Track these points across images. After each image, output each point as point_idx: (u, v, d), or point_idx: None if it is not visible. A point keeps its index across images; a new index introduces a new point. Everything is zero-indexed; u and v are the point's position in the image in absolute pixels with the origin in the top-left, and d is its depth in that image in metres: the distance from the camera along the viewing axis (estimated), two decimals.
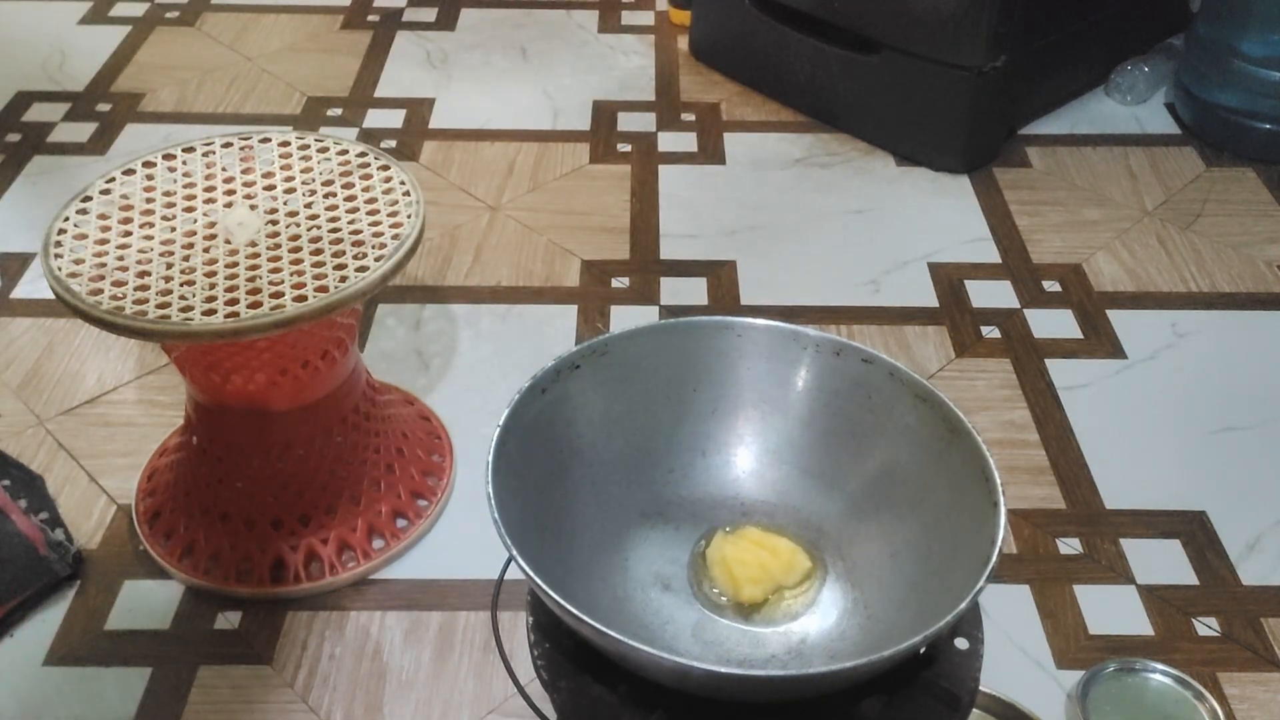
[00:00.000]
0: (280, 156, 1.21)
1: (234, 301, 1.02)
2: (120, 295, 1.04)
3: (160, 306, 1.02)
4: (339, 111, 2.00)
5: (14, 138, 1.93)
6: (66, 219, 1.13)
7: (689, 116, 2.00)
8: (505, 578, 0.79)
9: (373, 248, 1.08)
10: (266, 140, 1.23)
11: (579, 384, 0.78)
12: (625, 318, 1.57)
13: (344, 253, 1.08)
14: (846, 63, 1.88)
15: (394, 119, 1.98)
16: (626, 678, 0.66)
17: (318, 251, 1.08)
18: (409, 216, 1.11)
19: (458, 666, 1.14)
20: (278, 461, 1.18)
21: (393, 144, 1.91)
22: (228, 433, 1.18)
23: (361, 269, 1.05)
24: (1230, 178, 1.85)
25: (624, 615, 0.74)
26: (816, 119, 1.97)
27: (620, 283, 1.63)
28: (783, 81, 2.00)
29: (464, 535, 1.26)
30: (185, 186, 1.17)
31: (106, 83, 2.08)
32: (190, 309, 1.02)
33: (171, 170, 1.19)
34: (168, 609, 1.19)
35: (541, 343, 1.52)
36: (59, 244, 1.10)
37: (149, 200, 1.15)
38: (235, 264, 1.07)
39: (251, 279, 1.05)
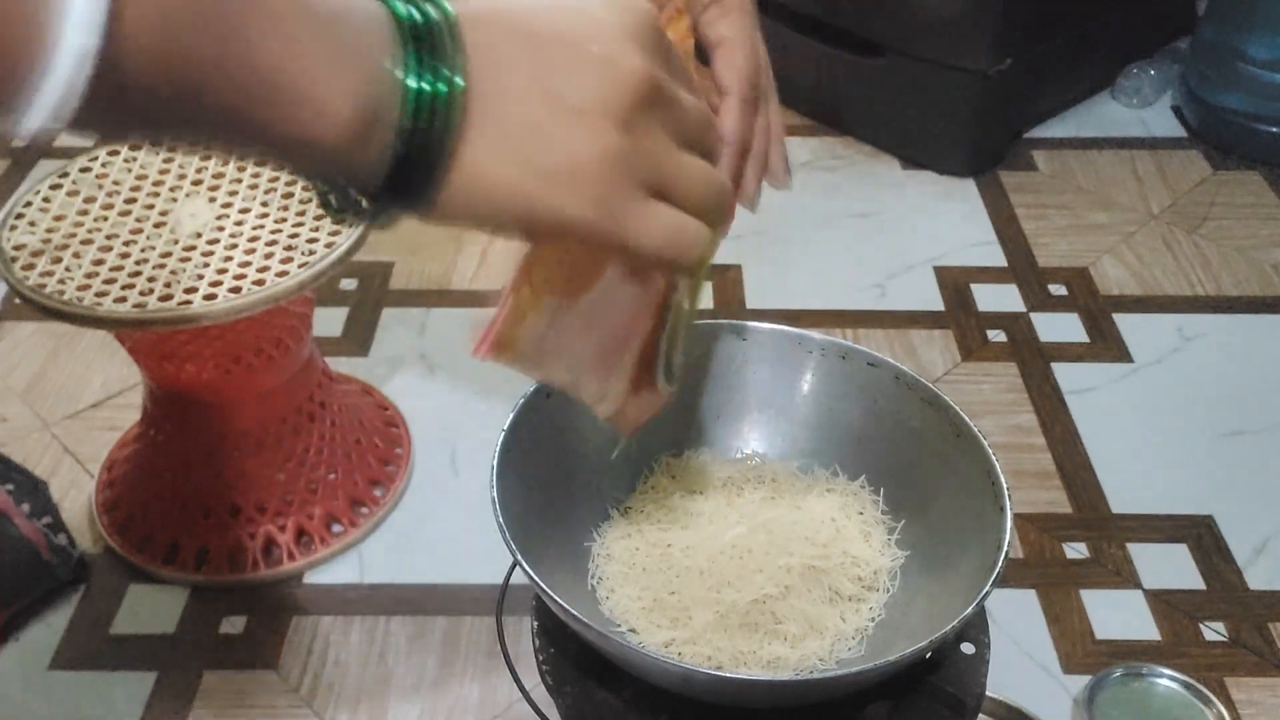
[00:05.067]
0: None
1: (149, 292, 1.03)
2: (49, 273, 1.04)
3: (80, 289, 1.03)
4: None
5: (20, 141, 1.93)
6: (37, 192, 1.14)
7: None
8: (510, 582, 0.79)
9: (302, 253, 1.08)
10: None
11: None
12: None
13: (273, 255, 1.08)
14: (852, 66, 1.88)
15: None
16: (632, 683, 0.66)
17: (250, 251, 1.08)
18: (349, 226, 1.11)
19: (463, 672, 1.14)
20: (234, 450, 1.20)
21: None
22: (183, 422, 1.20)
23: (282, 274, 1.05)
24: (1236, 181, 1.84)
25: None
26: (822, 122, 1.97)
27: None
28: (788, 85, 1.98)
29: (446, 533, 1.26)
30: (160, 173, 1.17)
31: None
32: (105, 294, 1.02)
33: (156, 154, 1.20)
34: (172, 613, 1.19)
35: None
36: (20, 215, 1.11)
37: (116, 184, 1.16)
38: (169, 254, 1.07)
39: (176, 271, 1.05)
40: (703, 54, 0.67)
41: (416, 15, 0.42)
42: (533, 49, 0.44)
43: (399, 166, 0.42)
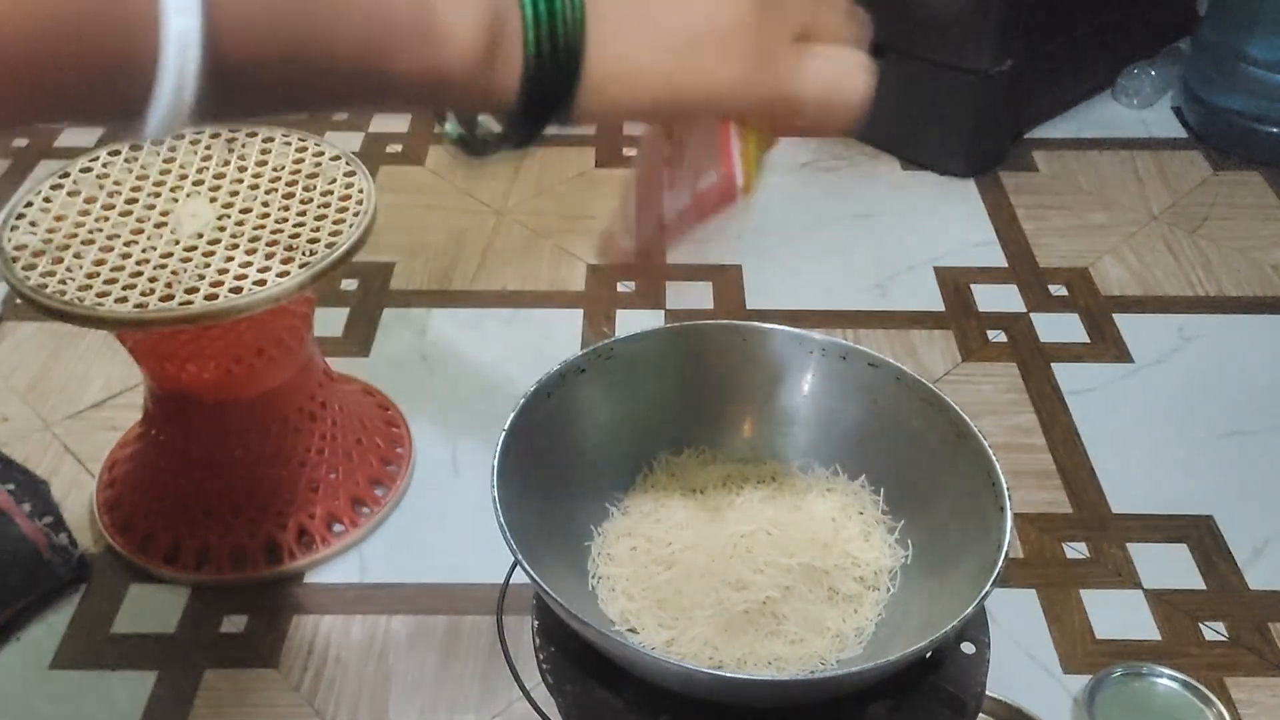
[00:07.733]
0: (260, 152, 1.20)
1: (149, 292, 1.03)
2: (50, 273, 1.04)
3: (81, 289, 1.03)
4: (344, 115, 2.00)
5: (21, 142, 1.93)
6: (38, 193, 1.14)
7: None
8: (510, 582, 0.79)
9: (303, 253, 1.07)
10: (254, 135, 1.23)
11: (584, 388, 0.78)
12: (631, 322, 1.57)
13: (273, 255, 1.08)
14: None
15: (399, 123, 1.98)
16: (632, 682, 0.66)
17: (251, 251, 1.08)
18: (350, 226, 1.11)
19: (463, 670, 1.14)
20: (235, 450, 1.20)
21: (399, 149, 1.92)
22: (184, 423, 1.20)
23: (283, 274, 1.05)
24: (1237, 181, 1.85)
25: None
26: None
27: (626, 287, 1.63)
28: None
29: (446, 533, 1.26)
30: (160, 173, 1.17)
31: None
32: (106, 295, 1.02)
33: (156, 155, 1.19)
34: (173, 613, 1.20)
35: (547, 347, 1.52)
36: (21, 216, 1.11)
37: (116, 184, 1.16)
38: (170, 254, 1.07)
39: (177, 271, 1.05)
40: None
41: None
42: None
43: (532, 77, 0.40)
